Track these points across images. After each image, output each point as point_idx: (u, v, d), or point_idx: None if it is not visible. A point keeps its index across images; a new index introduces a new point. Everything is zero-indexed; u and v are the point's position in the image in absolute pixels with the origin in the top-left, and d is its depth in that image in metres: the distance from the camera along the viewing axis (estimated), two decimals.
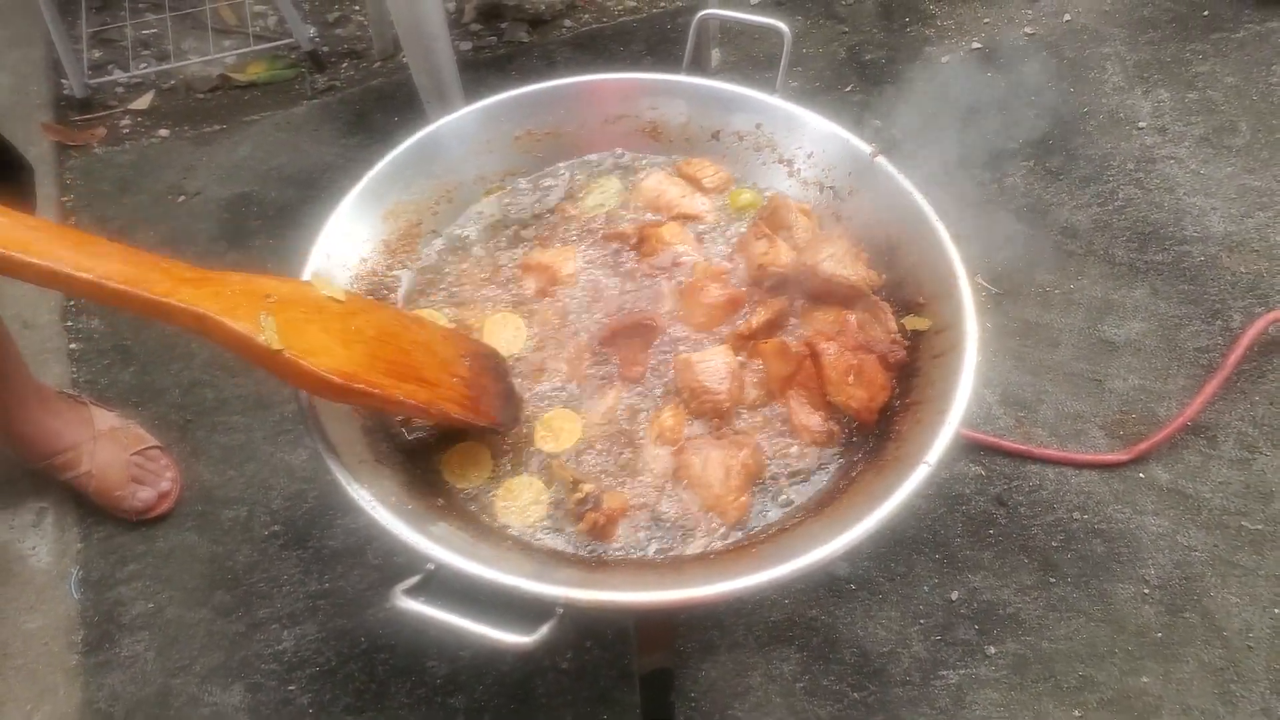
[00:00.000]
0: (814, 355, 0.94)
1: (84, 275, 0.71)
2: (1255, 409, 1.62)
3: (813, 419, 0.95)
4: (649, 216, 1.12)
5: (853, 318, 0.98)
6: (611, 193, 1.15)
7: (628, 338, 1.00)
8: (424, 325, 0.93)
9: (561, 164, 1.18)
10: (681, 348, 1.01)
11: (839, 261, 1.00)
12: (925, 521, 1.52)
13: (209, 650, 1.43)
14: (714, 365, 0.95)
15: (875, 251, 1.05)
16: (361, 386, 0.79)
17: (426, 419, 0.84)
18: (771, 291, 1.03)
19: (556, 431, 0.96)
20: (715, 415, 0.95)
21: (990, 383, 1.67)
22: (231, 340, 0.75)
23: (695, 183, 1.13)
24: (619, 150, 1.19)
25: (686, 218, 1.10)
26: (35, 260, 0.70)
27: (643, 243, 1.07)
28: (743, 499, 0.90)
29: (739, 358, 0.98)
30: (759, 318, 0.99)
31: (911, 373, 0.97)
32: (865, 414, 0.93)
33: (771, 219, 1.06)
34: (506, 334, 1.02)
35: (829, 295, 1.01)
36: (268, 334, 0.74)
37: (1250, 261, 1.80)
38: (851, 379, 0.93)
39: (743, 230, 1.10)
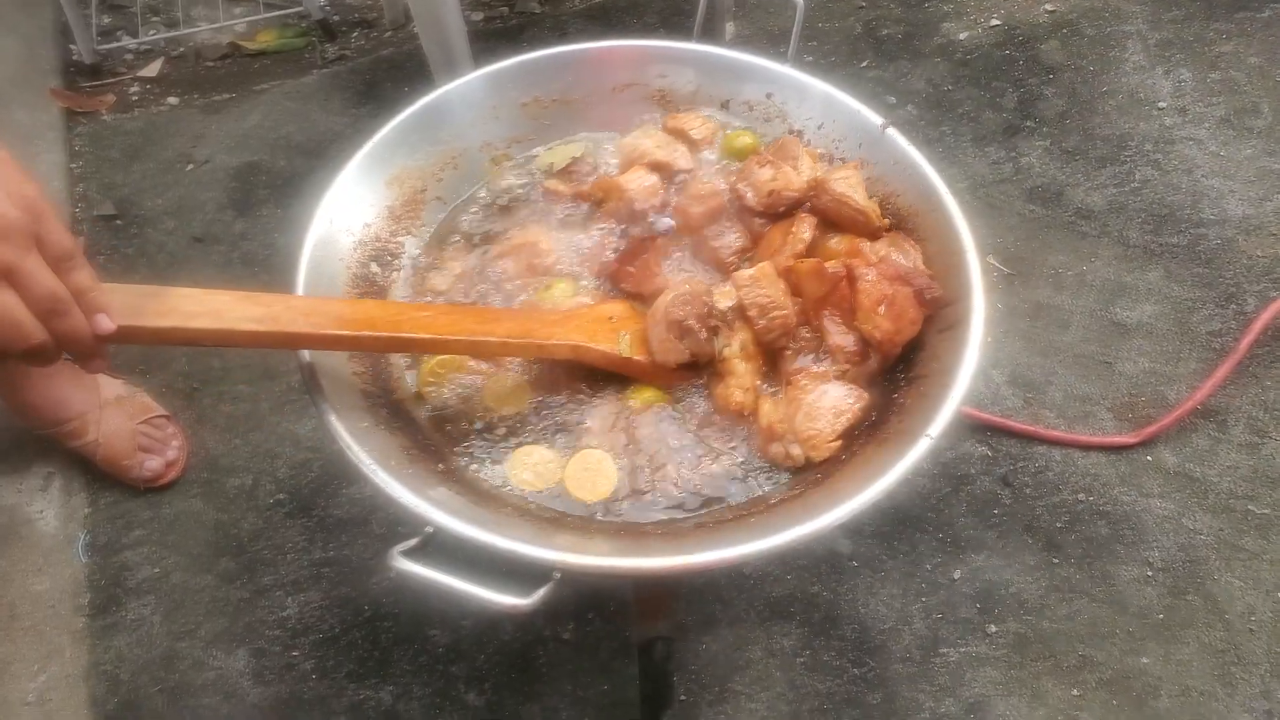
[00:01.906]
0: (851, 279, 0.93)
1: (493, 339, 0.89)
2: (1267, 394, 1.60)
3: (847, 339, 0.94)
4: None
5: (867, 245, 0.96)
6: (565, 153, 1.13)
7: (633, 263, 1.01)
8: None
9: (557, 141, 1.16)
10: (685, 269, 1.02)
11: (851, 186, 0.98)
12: (930, 501, 1.51)
13: (214, 615, 1.44)
14: (772, 289, 0.95)
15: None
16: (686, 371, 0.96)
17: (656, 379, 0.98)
18: (781, 220, 1.01)
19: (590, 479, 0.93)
20: (784, 333, 0.95)
21: (999, 363, 1.66)
22: (599, 358, 0.94)
23: (682, 135, 1.11)
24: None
25: (659, 166, 1.08)
26: (462, 337, 0.88)
27: (606, 197, 1.06)
28: (836, 444, 0.90)
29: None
30: (804, 234, 0.98)
31: (917, 346, 0.96)
32: (888, 346, 0.93)
33: (779, 152, 1.04)
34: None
35: (840, 220, 0.99)
36: (622, 346, 0.94)
37: (1267, 245, 1.78)
38: (882, 309, 0.92)
39: (726, 180, 1.08)
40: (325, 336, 0.84)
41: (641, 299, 1.00)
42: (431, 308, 0.97)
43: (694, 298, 0.93)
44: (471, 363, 1.00)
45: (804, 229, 0.98)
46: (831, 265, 0.94)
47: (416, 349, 0.91)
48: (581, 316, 0.96)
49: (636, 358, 0.94)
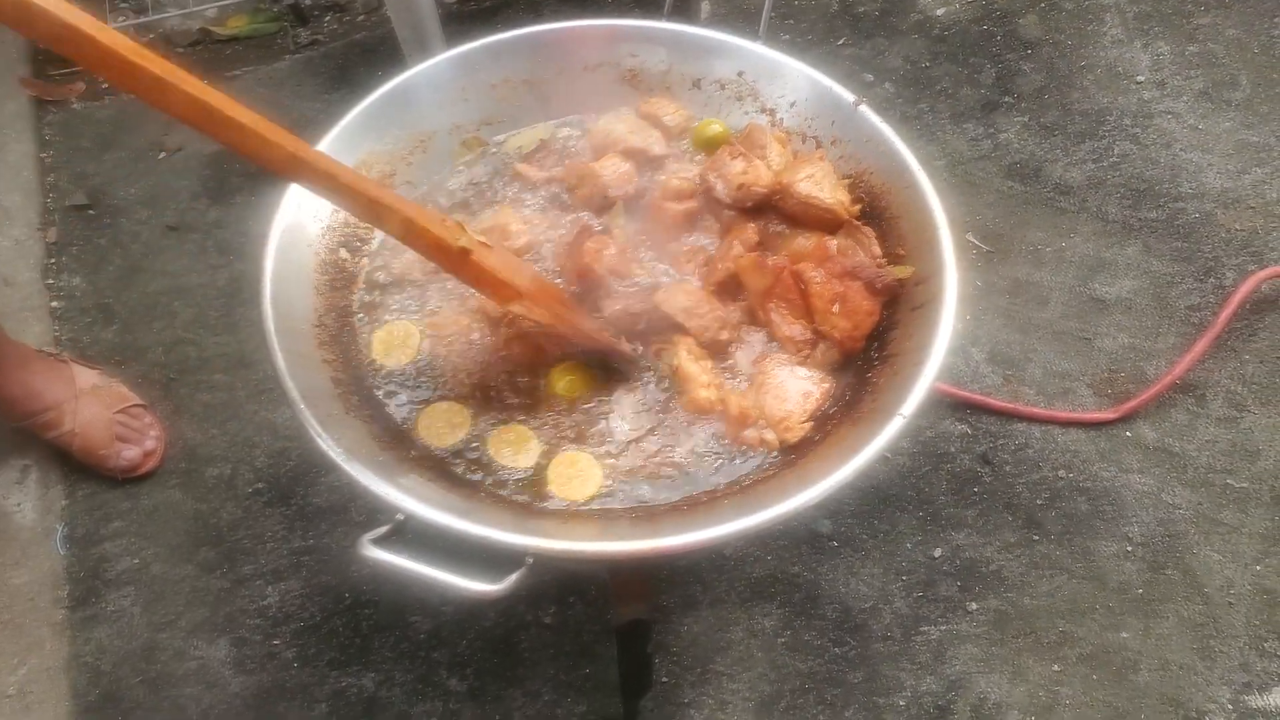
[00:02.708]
0: (801, 282, 0.93)
1: (318, 165, 0.82)
2: (1245, 367, 1.61)
3: (794, 329, 0.95)
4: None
5: (833, 243, 0.96)
6: (530, 135, 1.13)
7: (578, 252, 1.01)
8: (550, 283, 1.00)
9: (525, 129, 1.15)
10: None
11: (816, 183, 0.98)
12: (909, 479, 1.51)
13: (194, 605, 1.44)
14: (685, 301, 0.96)
15: (856, 201, 1.03)
16: (542, 300, 0.90)
17: (584, 342, 0.94)
18: (750, 214, 1.01)
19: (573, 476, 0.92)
20: (722, 327, 0.96)
21: (978, 341, 1.65)
22: (432, 241, 0.86)
23: (655, 121, 1.11)
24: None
25: (633, 153, 1.08)
26: (280, 141, 0.81)
27: (579, 184, 1.05)
28: (808, 424, 0.91)
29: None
30: (731, 256, 0.98)
31: (890, 326, 0.96)
32: (849, 343, 0.93)
33: (746, 141, 1.04)
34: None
35: (806, 219, 0.99)
36: (464, 240, 0.86)
37: (1245, 218, 1.78)
38: (836, 308, 0.92)
39: (699, 169, 1.08)
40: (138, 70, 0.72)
41: (591, 276, 1.00)
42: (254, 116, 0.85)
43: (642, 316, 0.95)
44: (423, 342, 0.99)
45: (737, 248, 0.99)
46: (773, 259, 0.94)
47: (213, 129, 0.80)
48: (420, 209, 0.89)
49: (477, 258, 0.87)
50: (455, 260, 0.88)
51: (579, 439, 0.92)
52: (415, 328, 1.00)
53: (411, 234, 0.86)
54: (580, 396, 0.95)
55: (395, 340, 0.99)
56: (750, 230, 0.98)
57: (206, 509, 1.52)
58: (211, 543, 1.49)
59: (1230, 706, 1.31)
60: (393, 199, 0.85)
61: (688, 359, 0.93)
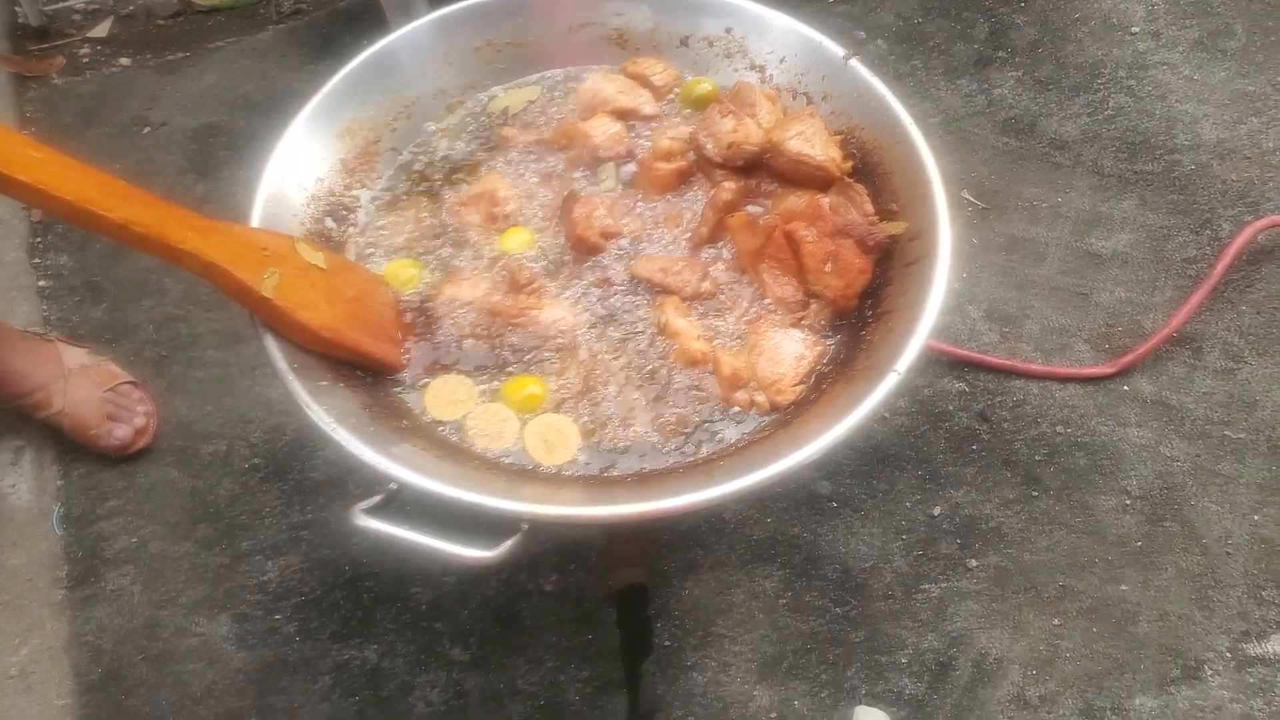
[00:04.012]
0: (793, 242, 0.93)
1: (111, 216, 0.78)
2: (1242, 318, 1.60)
3: (786, 289, 0.94)
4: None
5: (826, 201, 0.95)
6: (520, 97, 1.11)
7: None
8: (384, 285, 1.00)
9: (500, 87, 1.13)
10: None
11: (807, 140, 0.97)
12: (908, 439, 1.51)
13: (194, 582, 1.44)
14: (660, 262, 0.96)
15: (848, 158, 1.02)
16: (344, 341, 0.89)
17: (385, 370, 0.94)
18: (742, 173, 1.00)
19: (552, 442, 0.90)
20: (701, 276, 0.96)
21: (975, 299, 1.64)
22: (235, 287, 0.83)
23: (643, 81, 1.09)
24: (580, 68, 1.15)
25: (623, 113, 1.06)
26: (71, 199, 0.77)
27: (569, 145, 1.04)
28: (799, 387, 0.91)
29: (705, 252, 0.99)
30: (708, 222, 0.97)
31: (884, 282, 0.95)
32: (842, 301, 0.93)
33: (736, 99, 1.03)
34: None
35: (797, 176, 0.98)
36: (268, 284, 0.83)
37: (1241, 169, 1.76)
38: (828, 267, 0.92)
39: (690, 128, 1.07)
40: None
41: (586, 244, 0.98)
42: (48, 151, 0.80)
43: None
44: (424, 277, 0.98)
45: (710, 213, 0.99)
46: (765, 218, 0.93)
47: (11, 190, 0.76)
48: (231, 233, 0.86)
49: (280, 303, 0.85)
50: (256, 306, 0.85)
51: (565, 404, 0.92)
52: (417, 267, 0.99)
53: (213, 277, 0.83)
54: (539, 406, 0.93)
55: (398, 279, 0.98)
56: (724, 190, 0.97)
57: (203, 486, 1.52)
58: (209, 519, 1.49)
59: (1229, 655, 1.32)
60: (195, 243, 0.81)
61: (675, 315, 0.92)
